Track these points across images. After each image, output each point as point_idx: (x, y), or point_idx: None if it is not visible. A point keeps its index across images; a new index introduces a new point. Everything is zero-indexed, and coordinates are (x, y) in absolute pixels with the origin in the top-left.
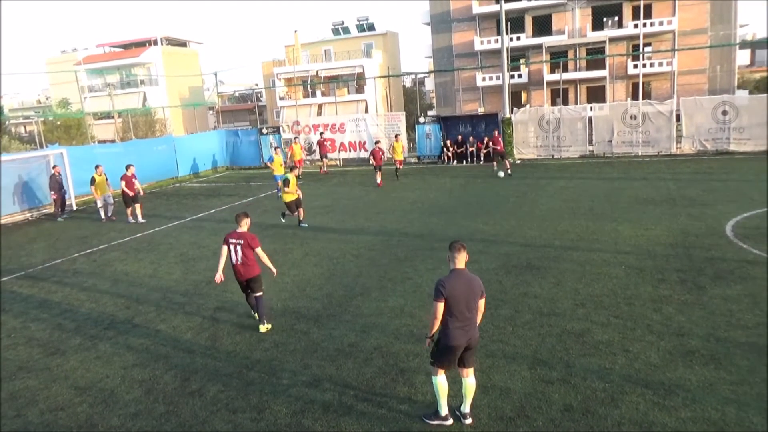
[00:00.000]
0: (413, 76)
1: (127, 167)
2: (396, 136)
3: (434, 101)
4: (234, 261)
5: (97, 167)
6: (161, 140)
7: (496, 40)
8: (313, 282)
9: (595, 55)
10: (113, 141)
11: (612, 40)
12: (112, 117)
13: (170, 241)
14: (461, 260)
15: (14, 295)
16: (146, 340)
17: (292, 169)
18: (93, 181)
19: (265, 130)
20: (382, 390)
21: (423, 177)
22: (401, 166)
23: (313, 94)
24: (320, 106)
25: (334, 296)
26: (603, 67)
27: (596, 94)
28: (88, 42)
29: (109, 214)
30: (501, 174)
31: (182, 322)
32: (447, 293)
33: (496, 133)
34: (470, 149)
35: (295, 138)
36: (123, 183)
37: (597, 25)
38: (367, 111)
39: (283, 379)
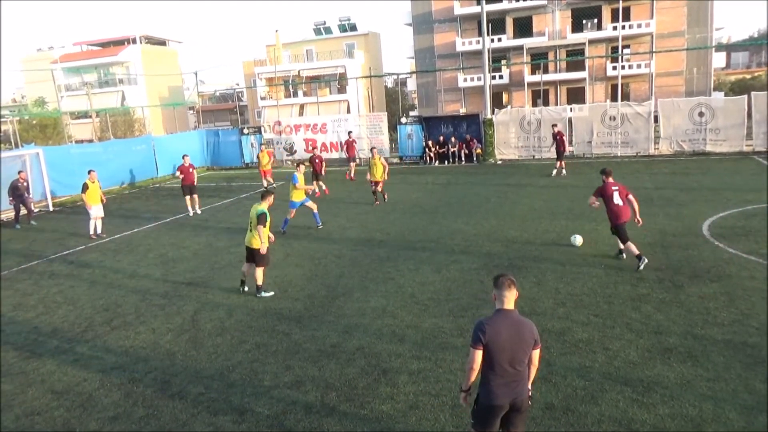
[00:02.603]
0: (395, 77)
1: (184, 157)
2: (372, 150)
3: (416, 102)
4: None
5: (90, 172)
6: (140, 140)
7: (478, 41)
8: (294, 283)
9: (575, 57)
10: (91, 141)
11: (591, 42)
12: (90, 116)
13: (149, 242)
14: (510, 299)
15: None
16: (125, 342)
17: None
18: (85, 187)
19: (246, 130)
20: (364, 390)
21: (405, 177)
22: (380, 188)
23: (295, 94)
24: (302, 107)
25: (316, 297)
26: (583, 68)
27: (576, 95)
28: (64, 40)
29: (99, 231)
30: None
31: (162, 324)
32: (487, 339)
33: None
34: (452, 149)
35: (261, 145)
36: (179, 173)
37: (577, 27)
38: (349, 111)
39: (265, 381)
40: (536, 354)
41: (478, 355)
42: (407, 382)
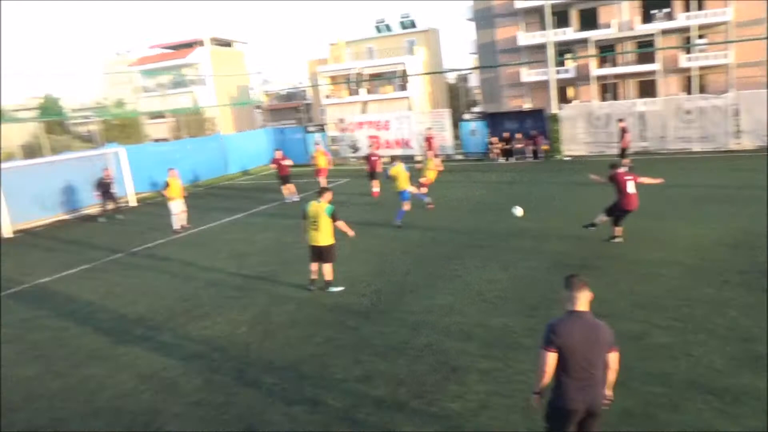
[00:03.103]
0: (457, 73)
1: (276, 151)
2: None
3: (479, 98)
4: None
5: (170, 170)
6: (211, 138)
7: (541, 35)
8: (362, 278)
9: (645, 49)
10: (166, 139)
11: (663, 32)
12: (165, 116)
13: (223, 237)
14: (583, 300)
15: (81, 288)
16: (204, 332)
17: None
18: (166, 185)
19: (310, 128)
20: (433, 387)
21: (468, 174)
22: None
23: (358, 92)
24: (364, 104)
25: (384, 293)
26: (654, 60)
27: (647, 88)
28: (141, 43)
29: (184, 223)
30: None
31: (237, 316)
32: (560, 342)
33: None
34: (517, 146)
35: (316, 144)
36: (274, 166)
37: (647, 18)
38: (411, 108)
39: (336, 374)
40: (613, 357)
41: (550, 357)
42: (477, 381)
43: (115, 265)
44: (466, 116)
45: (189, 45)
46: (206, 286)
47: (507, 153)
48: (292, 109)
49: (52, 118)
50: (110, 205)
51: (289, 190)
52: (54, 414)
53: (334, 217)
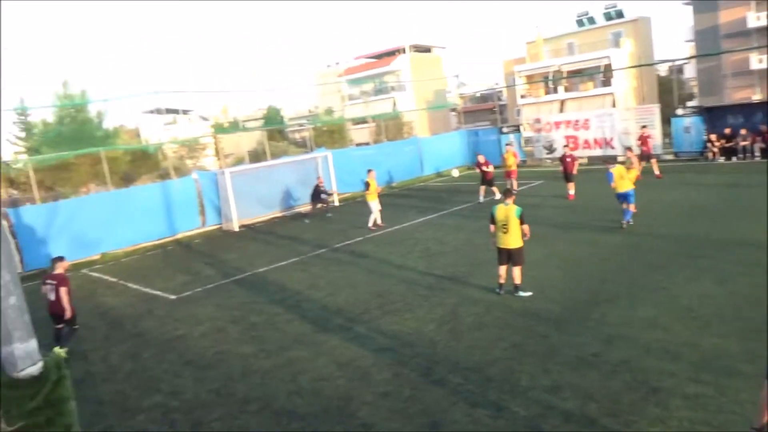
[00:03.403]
0: (669, 64)
1: (477, 155)
2: (628, 150)
3: (695, 90)
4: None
5: (369, 171)
6: (408, 142)
7: None
8: (553, 284)
9: None
10: (367, 144)
11: None
12: (367, 122)
13: (416, 237)
14: None
15: (291, 278)
16: (394, 327)
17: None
18: (368, 186)
19: (505, 129)
20: (629, 407)
21: (681, 176)
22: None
23: (555, 91)
24: (562, 103)
25: (577, 301)
26: None
27: None
28: (348, 55)
29: (379, 222)
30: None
31: (426, 314)
32: None
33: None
34: (741, 143)
35: (507, 145)
36: (477, 168)
37: None
38: (614, 105)
39: (522, 381)
40: None
41: None
42: (681, 406)
43: (320, 259)
44: (679, 111)
45: (391, 53)
46: (398, 283)
47: (728, 152)
48: (486, 111)
49: (274, 126)
50: (319, 206)
51: (487, 191)
52: (265, 389)
53: (521, 220)
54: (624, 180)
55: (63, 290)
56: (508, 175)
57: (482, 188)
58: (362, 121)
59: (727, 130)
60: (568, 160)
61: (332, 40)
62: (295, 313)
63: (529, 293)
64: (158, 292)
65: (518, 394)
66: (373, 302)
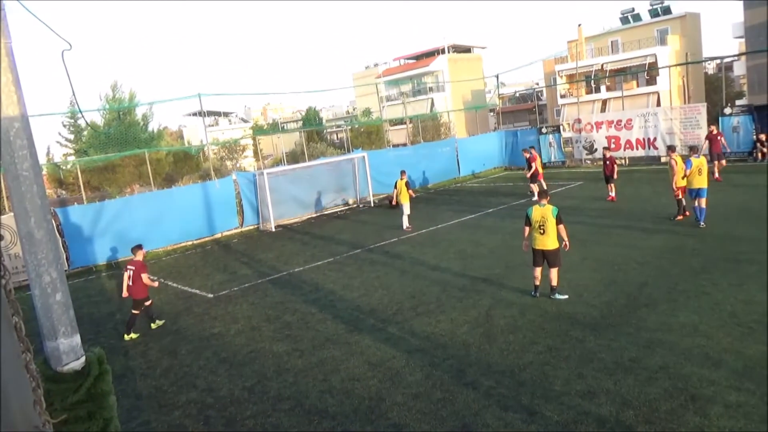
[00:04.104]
0: (718, 62)
1: (531, 148)
2: (669, 150)
3: (745, 88)
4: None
5: (402, 172)
6: (445, 143)
7: None
8: (590, 288)
9: None
10: (404, 144)
11: None
12: (405, 123)
13: (450, 238)
14: None
15: (325, 278)
16: (427, 328)
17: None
18: (403, 186)
19: (544, 130)
20: (667, 415)
21: (728, 177)
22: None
23: (597, 90)
24: (604, 102)
25: (614, 305)
26: None
27: None
28: (387, 56)
29: (404, 225)
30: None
31: (459, 315)
32: None
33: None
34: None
35: (530, 147)
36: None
37: None
38: (659, 104)
39: (555, 386)
40: None
41: None
42: (722, 414)
43: (354, 259)
44: (727, 110)
45: (431, 54)
46: (432, 285)
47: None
48: (525, 111)
49: (312, 128)
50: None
51: (532, 189)
52: (297, 387)
53: (558, 219)
54: (702, 176)
55: (144, 276)
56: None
57: (533, 186)
58: (400, 122)
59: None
60: (608, 162)
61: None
62: (329, 313)
63: (566, 296)
64: (196, 291)
65: (552, 399)
66: (407, 303)
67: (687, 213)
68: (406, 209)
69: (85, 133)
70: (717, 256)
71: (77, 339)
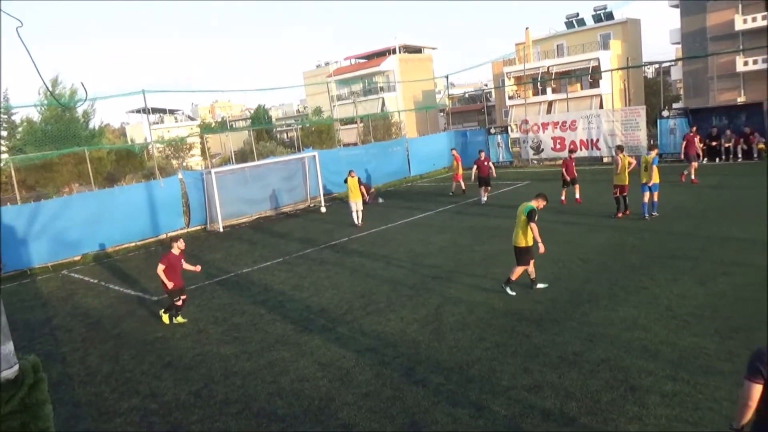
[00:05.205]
0: (656, 66)
1: (480, 152)
2: (617, 149)
3: (681, 92)
4: None
5: (350, 172)
6: (395, 142)
7: (763, 17)
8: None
9: None
10: (355, 144)
11: None
12: (355, 122)
13: (401, 237)
14: None
15: (275, 278)
16: (377, 327)
17: (539, 196)
18: (346, 181)
19: (492, 130)
20: (608, 406)
21: (665, 177)
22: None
23: (543, 92)
24: (550, 104)
25: (559, 301)
26: None
27: None
28: (338, 55)
29: (358, 222)
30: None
31: (409, 314)
32: None
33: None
34: (725, 145)
35: (453, 149)
36: (475, 167)
37: None
38: (601, 106)
39: (503, 380)
40: None
41: (757, 390)
42: (659, 404)
43: (304, 259)
44: (665, 113)
45: (382, 54)
46: (382, 284)
47: (712, 153)
48: (475, 112)
49: (261, 127)
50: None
51: (486, 191)
52: (245, 390)
53: (528, 217)
54: (648, 172)
55: (159, 267)
56: (456, 178)
57: (482, 189)
58: (351, 121)
59: (713, 131)
60: (570, 162)
61: (323, 40)
62: (278, 314)
63: (514, 293)
64: (139, 293)
65: (499, 394)
66: (357, 303)
67: (627, 212)
68: (358, 206)
69: (20, 129)
70: (654, 252)
71: (10, 346)
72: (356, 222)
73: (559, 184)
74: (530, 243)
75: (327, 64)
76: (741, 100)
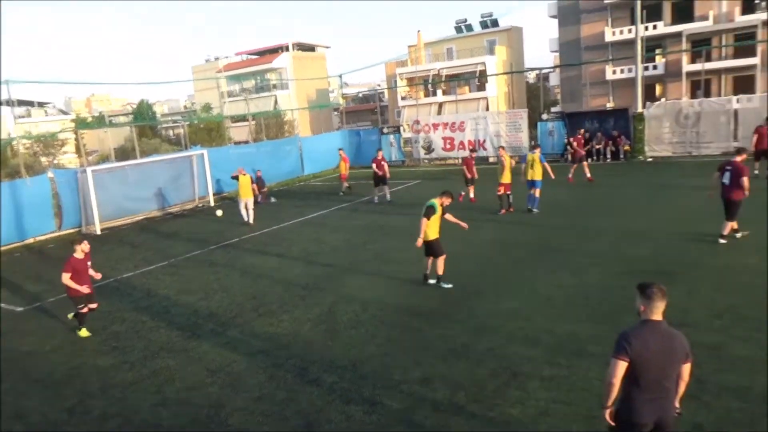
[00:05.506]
0: (537, 72)
1: (378, 151)
2: (500, 149)
3: (559, 97)
4: None
5: (240, 169)
6: (288, 141)
7: (630, 30)
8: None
9: (745, 42)
10: (247, 142)
11: (765, 24)
12: (247, 120)
13: (294, 237)
14: (659, 310)
15: (159, 282)
16: (270, 329)
17: (443, 193)
18: (237, 179)
19: (385, 130)
20: (493, 392)
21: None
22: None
23: (434, 93)
24: (440, 105)
25: (449, 295)
26: (754, 54)
27: (744, 84)
28: (228, 50)
29: (249, 220)
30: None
31: (302, 314)
32: (634, 352)
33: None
34: (596, 146)
35: (339, 150)
36: (374, 165)
37: (748, 8)
38: (488, 109)
39: (395, 375)
40: (686, 369)
41: (622, 366)
42: (539, 387)
43: (192, 261)
44: (544, 116)
45: (275, 50)
46: (275, 284)
47: (586, 154)
48: (368, 111)
49: (145, 123)
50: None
51: (380, 190)
52: (126, 403)
53: (426, 212)
54: (534, 169)
55: (64, 276)
56: (343, 178)
57: (377, 188)
58: (242, 118)
59: (585, 134)
60: (471, 162)
61: (213, 34)
62: (163, 320)
63: (450, 285)
64: (3, 304)
65: (391, 389)
66: (248, 305)
67: (512, 209)
68: (249, 204)
69: None
70: (535, 246)
71: None
72: (246, 220)
73: (456, 181)
74: (438, 235)
75: (217, 59)
76: (610, 105)
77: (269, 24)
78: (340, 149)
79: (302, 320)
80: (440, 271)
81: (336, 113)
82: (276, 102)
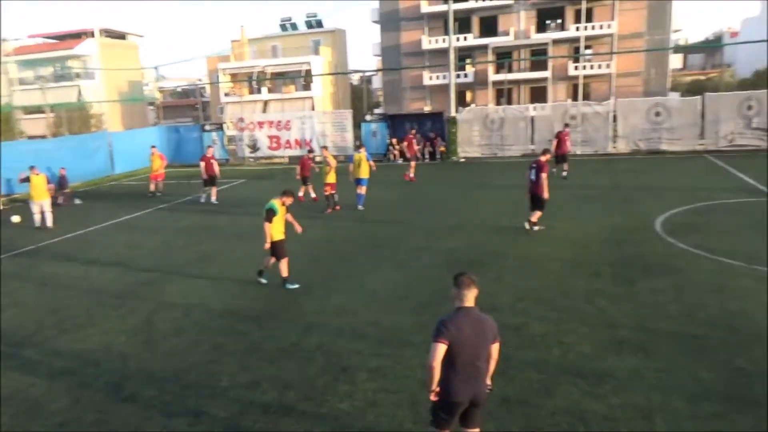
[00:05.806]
0: (360, 74)
1: (208, 147)
2: (323, 149)
3: (382, 99)
4: None
5: (31, 168)
6: (96, 136)
7: (444, 40)
8: (254, 281)
9: (539, 57)
10: (44, 136)
11: (555, 42)
12: (44, 111)
13: (104, 241)
14: (470, 297)
15: None
16: (75, 345)
17: (284, 193)
18: (28, 180)
19: (207, 127)
20: (323, 389)
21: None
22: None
23: (259, 91)
24: (266, 103)
25: (276, 295)
26: (546, 68)
27: (539, 94)
28: (19, 33)
29: (48, 224)
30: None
31: (115, 326)
32: (450, 337)
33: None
34: (416, 147)
35: (152, 147)
36: (203, 164)
37: (541, 27)
38: (313, 108)
39: (222, 382)
40: (495, 349)
41: (441, 349)
42: (366, 379)
43: None
44: (368, 117)
45: (77, 36)
46: (81, 295)
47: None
48: (188, 107)
49: None
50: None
51: (211, 190)
52: None
53: (266, 216)
54: (361, 168)
55: None
56: (153, 178)
57: (207, 188)
58: (38, 110)
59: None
60: (308, 161)
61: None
62: None
63: (297, 285)
64: None
65: (218, 396)
66: (48, 320)
67: (338, 207)
68: (44, 207)
69: None
70: (361, 242)
71: None
72: (40, 225)
73: (284, 180)
74: (283, 236)
75: (4, 40)
76: (428, 109)
77: (70, 6)
78: (152, 146)
79: (115, 333)
80: (284, 274)
81: (152, 108)
82: (80, 93)
